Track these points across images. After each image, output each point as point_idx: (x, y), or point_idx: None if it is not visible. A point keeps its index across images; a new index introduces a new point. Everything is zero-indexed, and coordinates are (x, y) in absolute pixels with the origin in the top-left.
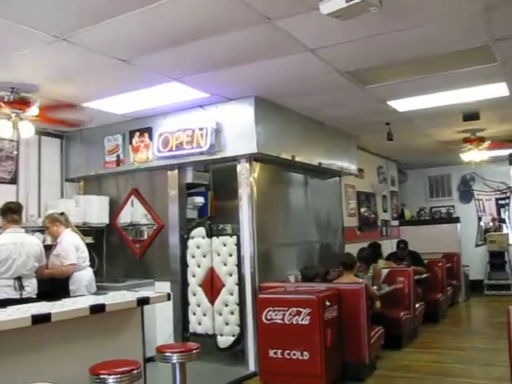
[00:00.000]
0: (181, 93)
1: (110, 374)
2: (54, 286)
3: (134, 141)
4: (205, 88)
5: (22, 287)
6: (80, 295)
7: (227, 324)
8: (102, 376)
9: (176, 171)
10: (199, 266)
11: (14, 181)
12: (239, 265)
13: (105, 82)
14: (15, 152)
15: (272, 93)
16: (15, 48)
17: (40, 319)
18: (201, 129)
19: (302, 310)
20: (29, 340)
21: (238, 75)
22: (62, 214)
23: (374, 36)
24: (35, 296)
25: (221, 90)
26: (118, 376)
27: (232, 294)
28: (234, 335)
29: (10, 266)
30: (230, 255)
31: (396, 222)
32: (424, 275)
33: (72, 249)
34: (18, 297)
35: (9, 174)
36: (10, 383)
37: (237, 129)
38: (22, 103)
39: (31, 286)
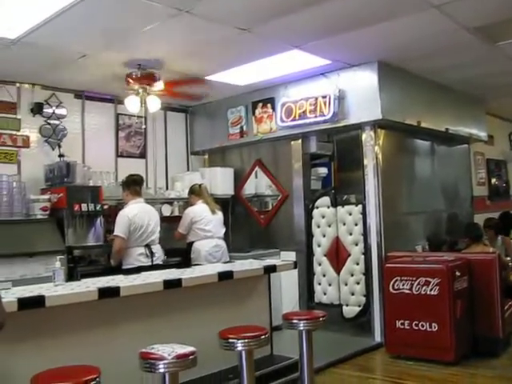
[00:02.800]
0: (302, 61)
1: (238, 339)
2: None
3: (256, 112)
4: (326, 54)
5: (152, 254)
6: (198, 264)
7: (353, 294)
8: (230, 340)
9: (299, 141)
10: (324, 236)
11: (142, 155)
12: (365, 234)
13: (227, 53)
14: (143, 127)
15: (395, 56)
16: (141, 24)
17: (171, 284)
18: (324, 97)
19: (430, 280)
20: (160, 304)
21: (359, 39)
22: (200, 185)
23: None
24: (161, 263)
25: (342, 56)
26: (246, 341)
27: (358, 264)
28: (359, 305)
29: (142, 233)
30: (356, 224)
31: None
32: None
33: (186, 219)
34: (149, 264)
35: (138, 148)
36: (145, 345)
37: (360, 95)
38: (148, 79)
39: (159, 253)
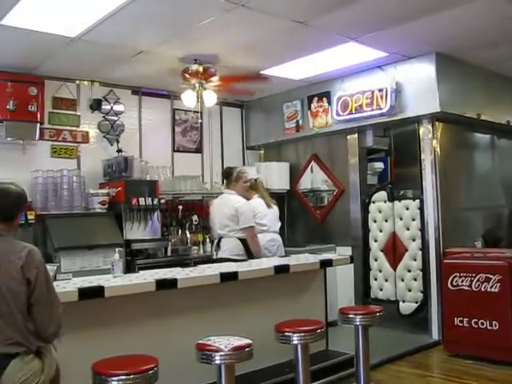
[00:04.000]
0: (358, 53)
1: (294, 332)
2: None
3: (312, 106)
4: (383, 47)
5: (218, 247)
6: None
7: (409, 290)
8: (286, 333)
9: (356, 135)
10: (381, 231)
11: (198, 150)
12: (422, 229)
13: (283, 46)
14: (200, 121)
15: (453, 47)
16: (197, 19)
17: (228, 277)
18: (380, 90)
19: (491, 276)
20: (217, 297)
21: (416, 30)
22: (256, 180)
23: None
24: (230, 256)
25: (399, 48)
26: (302, 334)
27: (415, 260)
28: (416, 302)
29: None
30: (413, 219)
31: None
32: None
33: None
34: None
35: (194, 143)
36: (201, 336)
37: (417, 88)
38: (204, 73)
39: (227, 246)
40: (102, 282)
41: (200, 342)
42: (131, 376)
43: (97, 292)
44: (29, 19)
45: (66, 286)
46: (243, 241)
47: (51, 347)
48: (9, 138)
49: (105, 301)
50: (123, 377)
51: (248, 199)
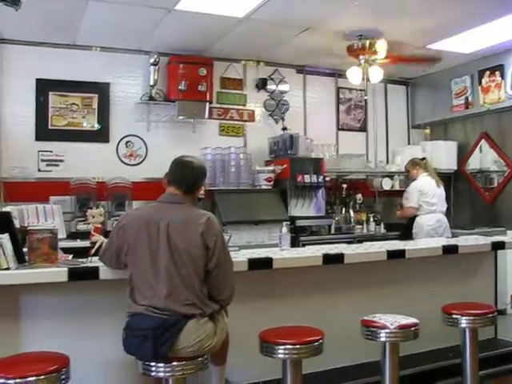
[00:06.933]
0: None
1: (462, 315)
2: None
3: (483, 81)
4: None
5: None
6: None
7: None
8: (454, 316)
9: None
10: None
11: (363, 129)
12: None
13: (451, 17)
14: (365, 97)
15: None
16: None
17: (394, 255)
18: None
19: None
20: (382, 274)
21: None
22: (424, 159)
23: None
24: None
25: None
26: (472, 318)
27: None
28: None
29: None
30: None
31: None
32: None
33: (414, 192)
34: None
35: (358, 122)
36: (366, 313)
37: None
38: (370, 49)
39: None
40: (270, 254)
41: (365, 318)
42: (297, 346)
43: (265, 263)
44: (200, 3)
45: (237, 256)
46: None
47: (223, 313)
48: (180, 117)
49: (272, 272)
50: (289, 346)
51: (412, 179)
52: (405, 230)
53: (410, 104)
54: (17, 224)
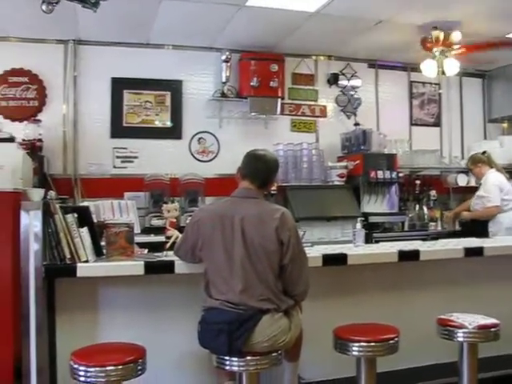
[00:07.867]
0: None
1: None
2: (475, 225)
3: None
4: None
5: None
6: None
7: None
8: None
9: None
10: None
11: (437, 123)
12: None
13: None
14: (440, 91)
15: None
16: None
17: (472, 252)
18: None
19: None
20: (459, 272)
21: None
22: (484, 152)
23: None
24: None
25: None
26: None
27: None
28: None
29: None
30: None
31: None
32: None
33: (495, 190)
34: None
35: (432, 116)
36: (442, 312)
37: None
38: (446, 40)
39: None
40: (345, 250)
41: (442, 317)
42: (372, 343)
43: (340, 259)
44: None
45: (311, 252)
46: None
47: (298, 308)
48: (253, 113)
49: (347, 268)
50: (364, 343)
51: (477, 176)
52: (479, 228)
53: (487, 97)
54: (94, 219)
